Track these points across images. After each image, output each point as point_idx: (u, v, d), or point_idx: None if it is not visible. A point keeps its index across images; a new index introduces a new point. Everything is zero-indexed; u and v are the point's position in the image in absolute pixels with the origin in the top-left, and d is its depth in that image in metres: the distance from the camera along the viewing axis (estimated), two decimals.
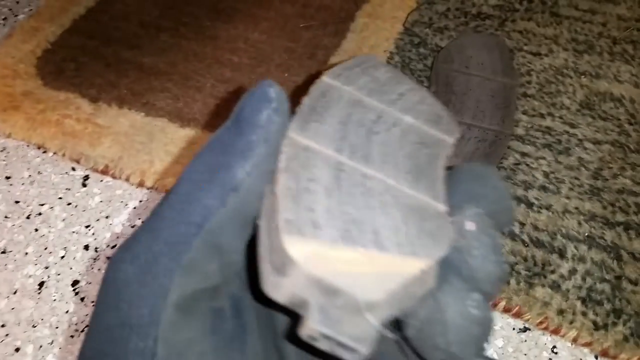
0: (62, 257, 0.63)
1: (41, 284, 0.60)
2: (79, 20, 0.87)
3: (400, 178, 0.23)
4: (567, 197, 0.60)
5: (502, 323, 0.54)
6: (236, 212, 0.20)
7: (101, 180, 0.69)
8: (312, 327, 0.19)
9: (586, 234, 0.57)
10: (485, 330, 0.21)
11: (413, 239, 0.20)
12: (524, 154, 0.64)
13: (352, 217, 0.21)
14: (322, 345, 0.19)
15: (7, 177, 0.70)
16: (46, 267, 0.62)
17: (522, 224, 0.59)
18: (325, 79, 0.28)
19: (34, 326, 0.58)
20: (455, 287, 0.21)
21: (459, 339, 0.20)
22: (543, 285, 0.54)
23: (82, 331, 0.58)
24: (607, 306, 0.53)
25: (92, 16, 0.87)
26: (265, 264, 0.20)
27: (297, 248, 0.19)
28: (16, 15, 0.90)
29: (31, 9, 0.90)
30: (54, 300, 0.60)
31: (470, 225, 0.21)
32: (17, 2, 0.92)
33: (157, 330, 0.19)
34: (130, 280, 0.20)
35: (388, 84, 0.28)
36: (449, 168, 0.26)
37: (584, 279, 0.55)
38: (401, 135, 0.25)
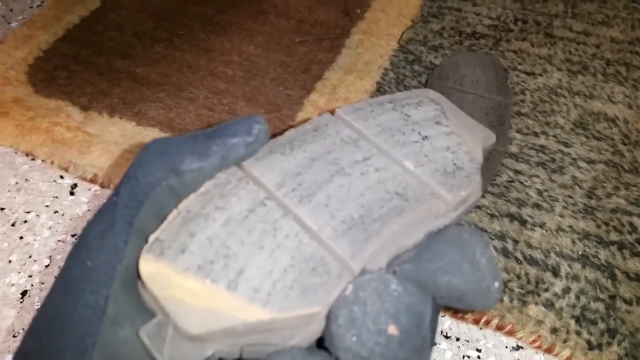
0: (47, 265, 0.61)
1: (24, 293, 0.59)
2: (72, 29, 0.86)
3: (326, 226, 0.22)
4: (561, 216, 0.60)
5: (495, 341, 0.53)
6: (172, 189, 0.23)
7: (89, 189, 0.68)
8: (141, 335, 0.20)
9: (580, 253, 0.57)
10: None
11: (282, 288, 0.20)
12: (517, 172, 0.63)
13: (229, 252, 0.21)
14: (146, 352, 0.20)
15: None
16: (30, 276, 0.60)
17: (516, 242, 0.58)
18: (338, 112, 0.27)
19: (14, 336, 0.56)
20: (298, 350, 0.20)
21: None
22: (536, 303, 0.53)
23: None
24: (602, 325, 0.52)
25: (86, 26, 0.87)
26: None
27: (147, 266, 0.20)
28: (9, 23, 0.89)
29: (25, 17, 0.90)
30: (37, 310, 0.58)
31: (355, 293, 0.20)
32: (11, 10, 0.92)
33: (109, 290, 0.21)
34: (91, 242, 0.23)
35: (417, 125, 0.27)
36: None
37: (578, 298, 0.54)
38: (377, 182, 0.24)
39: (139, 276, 0.21)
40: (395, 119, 0.27)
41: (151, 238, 0.21)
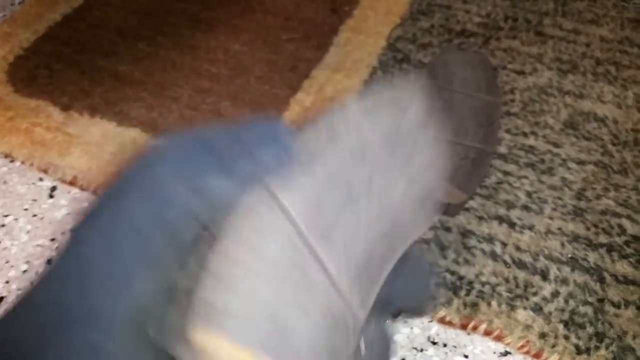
0: (24, 271, 0.60)
1: (0, 299, 0.57)
2: (54, 27, 0.85)
3: (344, 275, 0.22)
4: (550, 218, 0.59)
5: (483, 347, 0.52)
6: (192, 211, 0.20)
7: (69, 192, 0.66)
8: None
9: (569, 256, 0.56)
10: None
11: (316, 355, 0.21)
12: (506, 173, 0.62)
13: (274, 312, 0.20)
14: None
15: None
16: (7, 282, 0.58)
17: (504, 244, 0.57)
18: (351, 108, 0.27)
19: None
20: None
21: None
22: (525, 308, 0.53)
23: None
24: (590, 329, 0.51)
25: (68, 23, 0.85)
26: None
27: (199, 336, 0.19)
28: None
29: (5, 15, 0.88)
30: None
31: (366, 345, 0.23)
32: None
33: (114, 329, 0.19)
34: (95, 264, 0.20)
35: (410, 131, 0.27)
36: None
37: (566, 302, 0.53)
38: (377, 215, 0.24)
39: (184, 340, 0.20)
40: (393, 123, 0.27)
41: (195, 298, 0.20)
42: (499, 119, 0.65)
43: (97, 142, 0.68)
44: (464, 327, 0.52)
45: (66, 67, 0.78)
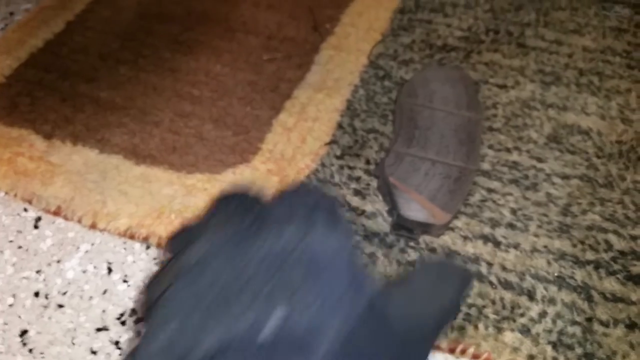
0: (11, 305, 0.59)
1: None
2: (36, 53, 0.84)
3: None
4: (536, 235, 0.58)
5: None
6: None
7: (53, 222, 0.65)
8: None
9: (556, 274, 0.55)
10: None
11: None
12: (490, 190, 0.62)
13: None
14: None
15: None
16: None
17: (490, 264, 0.56)
18: None
19: None
20: None
21: None
22: (512, 330, 0.52)
23: None
24: (579, 350, 0.51)
25: (50, 49, 0.85)
26: None
27: None
28: None
29: None
30: (0, 352, 0.56)
31: None
32: None
33: None
34: None
35: None
36: None
37: (554, 322, 0.52)
38: None
39: None
40: None
41: None
42: (480, 135, 0.64)
43: (79, 170, 0.68)
44: (451, 351, 0.52)
45: (48, 94, 0.77)
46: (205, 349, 0.21)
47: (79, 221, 0.64)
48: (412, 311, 0.25)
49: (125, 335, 0.57)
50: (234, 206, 0.26)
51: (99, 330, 0.57)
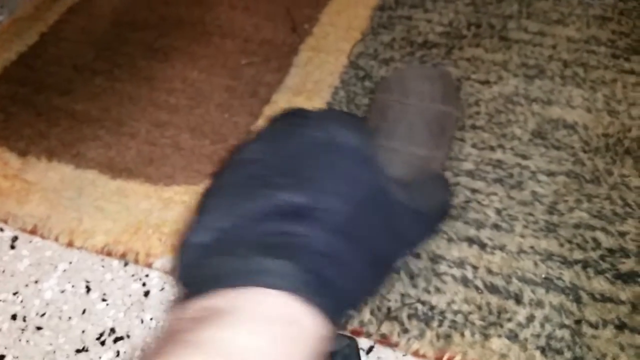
0: None
1: None
2: (9, 66, 0.82)
3: None
4: (522, 236, 0.57)
5: None
6: None
7: (30, 241, 0.64)
8: None
9: (543, 276, 0.54)
10: None
11: None
12: (474, 191, 0.60)
13: None
14: None
15: None
16: None
17: (475, 268, 0.55)
18: None
19: None
20: None
21: None
22: (499, 336, 0.51)
23: None
24: (568, 354, 0.49)
25: (24, 61, 0.83)
26: None
27: None
28: None
29: None
30: None
31: None
32: None
33: None
34: None
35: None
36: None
37: (542, 326, 0.51)
38: None
39: None
40: None
41: None
42: (453, 128, 0.62)
43: (54, 187, 0.66)
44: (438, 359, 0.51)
45: (22, 109, 0.76)
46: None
47: (56, 239, 0.63)
48: (412, 203, 0.31)
49: (105, 356, 0.55)
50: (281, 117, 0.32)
51: (78, 351, 0.56)
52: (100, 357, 0.55)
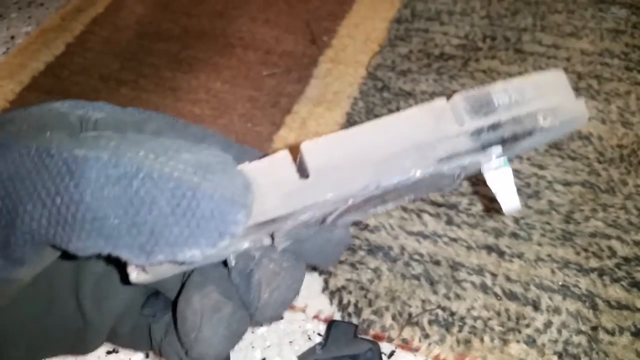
0: None
1: None
2: (38, 76, 0.85)
3: None
4: (539, 244, 0.58)
5: None
6: None
7: None
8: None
9: (560, 283, 0.56)
10: None
11: None
12: (492, 200, 0.62)
13: None
14: None
15: None
16: None
17: (494, 275, 0.57)
18: None
19: None
20: None
21: None
22: (518, 341, 0.52)
23: None
24: None
25: (51, 72, 0.86)
26: None
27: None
28: None
29: None
30: None
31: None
32: None
33: None
34: None
35: None
36: None
37: (559, 332, 0.52)
38: None
39: None
40: None
41: None
42: None
43: None
44: None
45: None
46: None
47: None
48: None
49: (135, 357, 0.57)
50: None
51: (109, 353, 0.58)
52: (130, 358, 0.57)
